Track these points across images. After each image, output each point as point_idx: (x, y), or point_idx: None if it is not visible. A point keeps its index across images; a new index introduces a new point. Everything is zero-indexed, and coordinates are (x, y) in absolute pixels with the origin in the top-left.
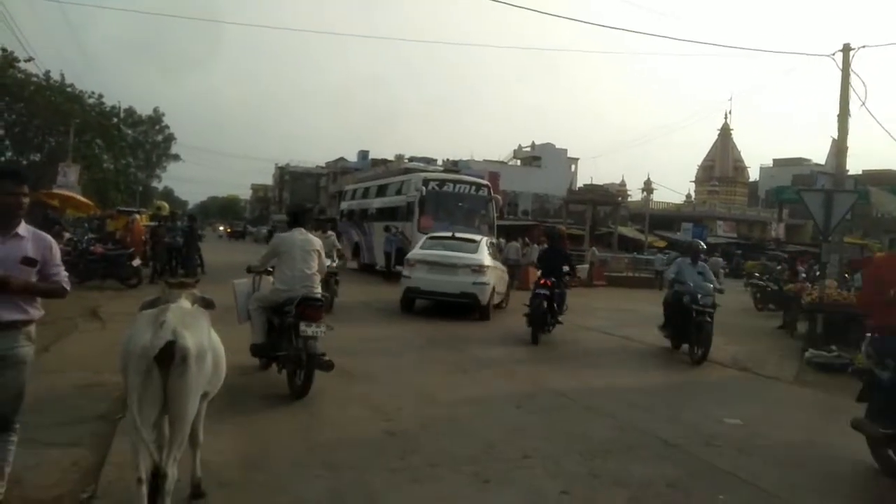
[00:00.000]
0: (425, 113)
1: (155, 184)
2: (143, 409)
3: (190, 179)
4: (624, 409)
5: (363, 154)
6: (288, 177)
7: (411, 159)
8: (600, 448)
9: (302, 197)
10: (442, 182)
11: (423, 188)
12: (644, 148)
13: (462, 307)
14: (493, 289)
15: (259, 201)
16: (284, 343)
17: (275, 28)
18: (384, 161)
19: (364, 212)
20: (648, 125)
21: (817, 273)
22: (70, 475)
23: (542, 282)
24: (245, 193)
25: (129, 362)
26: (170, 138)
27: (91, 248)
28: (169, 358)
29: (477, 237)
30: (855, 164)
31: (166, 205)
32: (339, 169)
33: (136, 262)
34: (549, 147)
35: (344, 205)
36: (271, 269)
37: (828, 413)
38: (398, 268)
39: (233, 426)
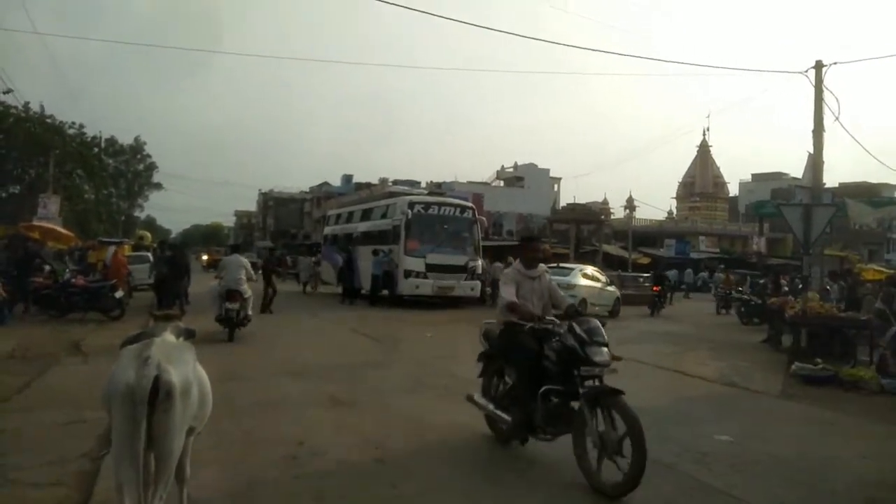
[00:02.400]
0: (408, 136)
1: (137, 213)
2: (128, 447)
3: (172, 208)
4: None
5: (347, 178)
6: (272, 202)
7: (395, 182)
8: None
9: (286, 222)
10: (427, 205)
11: (409, 211)
12: (626, 166)
13: None
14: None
15: (243, 227)
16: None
17: (255, 56)
18: (368, 185)
19: (349, 236)
20: (629, 143)
21: (799, 286)
22: None
23: None
24: (229, 220)
25: (112, 400)
26: (151, 167)
27: (73, 280)
28: (153, 394)
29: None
30: (831, 178)
31: (149, 234)
32: (322, 194)
33: (119, 293)
34: (531, 167)
35: (328, 229)
36: (222, 276)
37: (816, 426)
38: (385, 292)
39: (217, 453)
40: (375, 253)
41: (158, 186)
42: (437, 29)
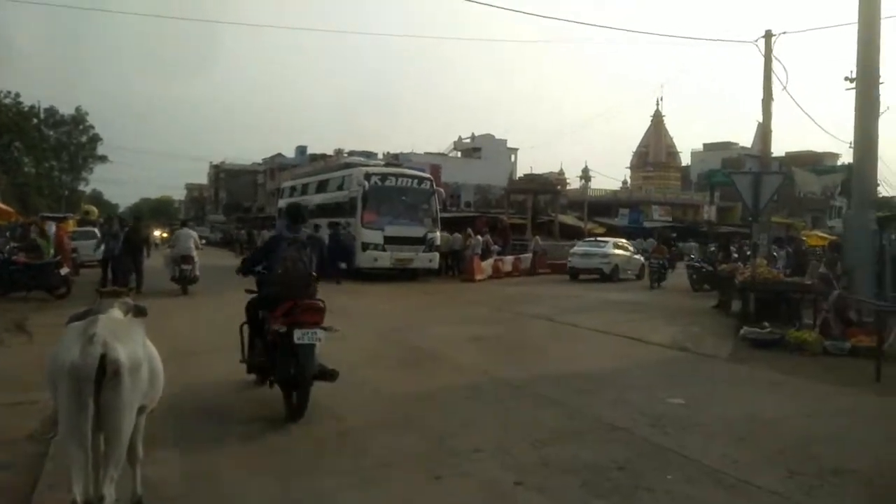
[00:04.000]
0: (363, 106)
1: (82, 187)
2: (75, 428)
3: (119, 181)
4: (572, 396)
5: (301, 149)
6: (224, 175)
7: (351, 153)
8: (551, 436)
9: (239, 195)
10: (384, 176)
11: (366, 183)
12: (580, 136)
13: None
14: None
15: (194, 201)
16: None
17: (203, 21)
18: (323, 156)
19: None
20: (584, 114)
21: (748, 253)
22: (0, 501)
23: None
24: (179, 194)
25: (57, 380)
26: (95, 139)
27: (13, 258)
28: (100, 372)
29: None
30: (778, 147)
31: (95, 209)
32: (276, 165)
33: (65, 270)
34: (488, 138)
35: (282, 202)
36: (174, 245)
37: (764, 387)
38: (342, 265)
39: (173, 433)
40: (332, 226)
41: (103, 159)
42: None
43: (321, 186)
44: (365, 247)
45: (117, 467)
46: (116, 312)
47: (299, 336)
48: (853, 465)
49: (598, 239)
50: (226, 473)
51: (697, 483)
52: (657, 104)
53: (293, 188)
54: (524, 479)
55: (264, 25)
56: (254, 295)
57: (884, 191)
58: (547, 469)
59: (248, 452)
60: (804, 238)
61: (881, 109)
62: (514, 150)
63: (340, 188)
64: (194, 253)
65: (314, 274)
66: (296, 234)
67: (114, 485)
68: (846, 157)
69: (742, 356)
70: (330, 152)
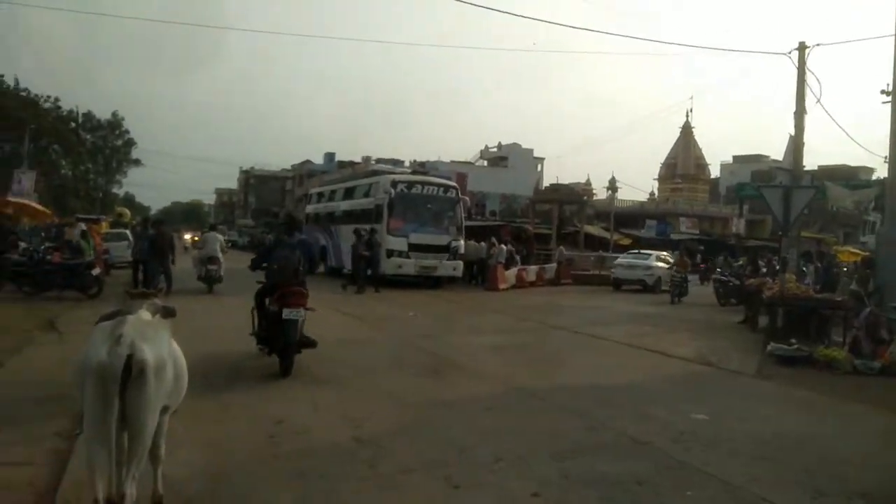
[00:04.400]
0: (392, 114)
1: (115, 190)
2: (100, 426)
3: (152, 185)
4: (594, 408)
5: (329, 156)
6: (253, 180)
7: (378, 161)
8: (571, 448)
9: (267, 200)
10: (410, 184)
11: (392, 190)
12: (608, 147)
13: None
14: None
15: (224, 206)
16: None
17: (236, 29)
18: (351, 163)
19: (331, 215)
20: (613, 124)
21: (777, 267)
22: (25, 496)
23: None
24: (209, 198)
25: (84, 378)
26: (130, 143)
27: (48, 257)
28: (126, 372)
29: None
30: (811, 160)
31: (128, 211)
32: (304, 172)
33: (97, 270)
34: (515, 147)
35: (310, 208)
36: (202, 248)
37: (790, 405)
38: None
39: (194, 431)
40: (357, 232)
41: (137, 163)
42: (424, 5)
43: (348, 193)
44: (390, 253)
45: (139, 466)
46: (145, 313)
47: (286, 313)
48: (882, 488)
49: (642, 252)
50: (245, 476)
51: (717, 501)
52: (687, 115)
53: (321, 194)
54: (542, 491)
55: (295, 35)
56: (261, 285)
57: None
58: (566, 482)
59: (266, 455)
60: (835, 253)
61: None
62: (541, 160)
63: (367, 195)
64: (220, 255)
65: (301, 269)
66: (290, 239)
67: (135, 483)
68: (881, 172)
69: (768, 373)
70: (358, 159)
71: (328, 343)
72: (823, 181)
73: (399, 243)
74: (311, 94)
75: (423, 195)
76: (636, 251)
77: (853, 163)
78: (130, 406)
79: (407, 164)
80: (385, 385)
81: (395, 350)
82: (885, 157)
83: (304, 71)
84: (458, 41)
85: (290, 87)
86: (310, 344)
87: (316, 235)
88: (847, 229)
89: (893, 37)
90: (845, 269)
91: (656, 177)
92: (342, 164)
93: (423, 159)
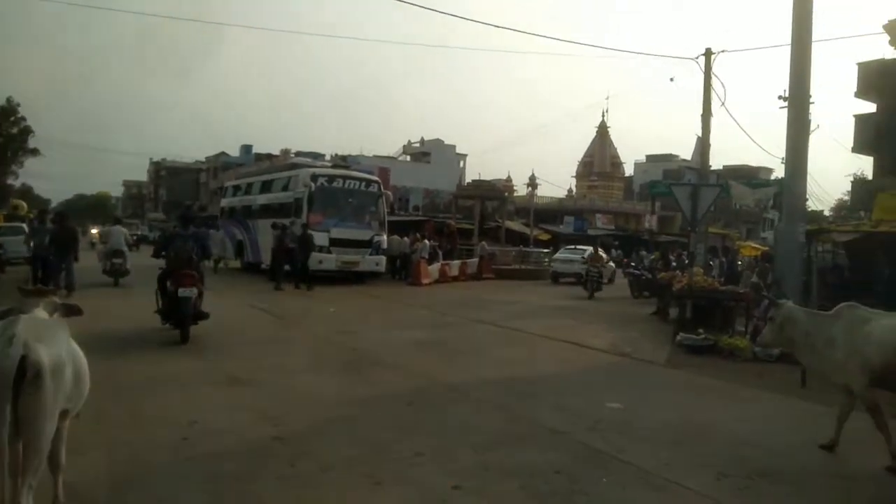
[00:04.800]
0: (312, 107)
1: (11, 181)
2: None
3: (52, 176)
4: (513, 400)
5: (247, 148)
6: (164, 172)
7: (298, 154)
8: (491, 440)
9: (180, 194)
10: (331, 177)
11: (312, 184)
12: (529, 145)
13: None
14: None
15: (132, 198)
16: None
17: (147, 14)
18: (269, 156)
19: (247, 208)
20: (532, 123)
21: (686, 262)
22: None
23: None
24: (116, 190)
25: None
26: (26, 131)
27: None
28: (20, 374)
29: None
30: (717, 160)
31: (24, 204)
32: (220, 164)
33: None
34: (437, 143)
35: (225, 201)
36: (107, 241)
37: (697, 392)
38: (286, 267)
39: (100, 436)
40: (275, 227)
41: (35, 152)
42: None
43: (266, 186)
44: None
45: (36, 475)
46: (41, 312)
47: (182, 292)
48: (779, 467)
49: (578, 247)
50: (156, 481)
51: (631, 486)
52: (603, 115)
53: (237, 187)
54: (463, 483)
55: (207, 22)
56: (161, 270)
57: (812, 205)
58: (486, 473)
59: (178, 457)
60: (738, 248)
61: (811, 128)
62: (464, 157)
63: (286, 189)
64: (125, 248)
65: (195, 257)
66: (185, 231)
67: (32, 493)
68: (779, 172)
69: (678, 361)
70: (276, 152)
71: (244, 341)
72: (728, 180)
73: (320, 238)
74: (227, 85)
75: (344, 189)
76: (573, 247)
77: (754, 163)
78: (25, 411)
79: (328, 157)
80: (304, 383)
81: (314, 347)
82: (782, 159)
83: (220, 61)
84: (381, 35)
85: (205, 77)
86: (202, 316)
87: (232, 230)
88: (749, 225)
89: (790, 46)
90: (749, 262)
91: (574, 174)
92: (259, 157)
93: (345, 153)
